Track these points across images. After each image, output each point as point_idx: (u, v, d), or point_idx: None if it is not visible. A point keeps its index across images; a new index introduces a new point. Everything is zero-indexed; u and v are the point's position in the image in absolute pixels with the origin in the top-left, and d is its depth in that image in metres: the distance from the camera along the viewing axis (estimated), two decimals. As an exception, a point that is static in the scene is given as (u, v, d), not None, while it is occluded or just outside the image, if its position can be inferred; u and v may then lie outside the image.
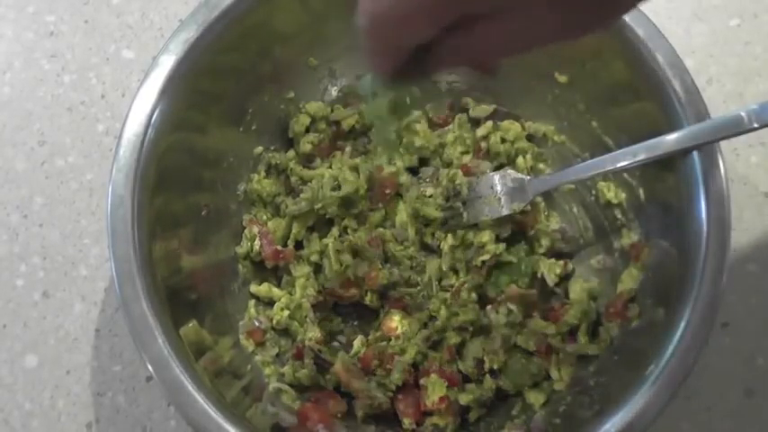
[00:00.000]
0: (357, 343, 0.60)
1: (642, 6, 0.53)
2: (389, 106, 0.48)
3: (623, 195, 0.59)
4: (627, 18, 0.53)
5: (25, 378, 0.63)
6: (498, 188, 0.61)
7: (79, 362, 0.63)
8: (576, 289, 0.61)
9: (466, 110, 0.67)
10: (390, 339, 0.60)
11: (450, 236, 0.62)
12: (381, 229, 0.63)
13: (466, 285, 0.61)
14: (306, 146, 0.64)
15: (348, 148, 0.65)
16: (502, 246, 0.61)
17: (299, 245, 0.63)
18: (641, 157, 0.53)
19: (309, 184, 0.62)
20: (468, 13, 0.34)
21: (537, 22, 0.35)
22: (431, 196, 0.63)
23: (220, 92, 0.58)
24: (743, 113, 0.50)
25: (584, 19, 0.36)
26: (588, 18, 0.37)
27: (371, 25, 0.35)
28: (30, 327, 0.64)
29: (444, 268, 0.62)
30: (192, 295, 0.56)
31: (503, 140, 0.65)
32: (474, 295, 0.61)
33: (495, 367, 0.58)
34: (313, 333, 0.60)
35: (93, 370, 0.63)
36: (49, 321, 0.64)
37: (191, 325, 0.54)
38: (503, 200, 0.61)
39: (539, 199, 0.63)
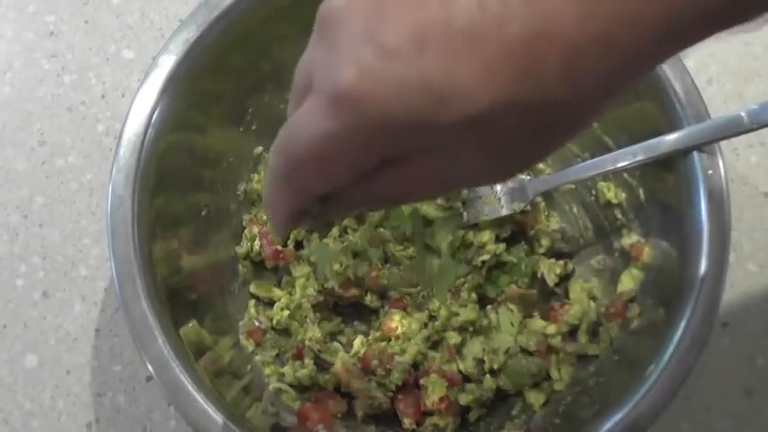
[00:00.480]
0: (357, 343, 0.60)
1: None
2: None
3: (623, 195, 0.59)
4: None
5: (25, 378, 0.63)
6: (498, 188, 0.61)
7: (79, 362, 0.63)
8: (576, 289, 0.61)
9: None
10: (390, 339, 0.60)
11: (449, 236, 0.62)
12: (381, 229, 0.63)
13: (466, 285, 0.61)
14: None
15: None
16: (502, 246, 0.61)
17: (299, 245, 0.63)
18: (641, 157, 0.53)
19: None
20: (388, 157, 0.32)
21: (464, 167, 0.33)
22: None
23: (220, 92, 0.58)
24: (743, 113, 0.50)
25: (514, 163, 0.34)
26: (520, 162, 0.34)
27: (285, 169, 0.33)
28: (30, 327, 0.64)
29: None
30: (191, 295, 0.56)
31: None
32: (474, 295, 0.61)
33: (496, 367, 0.58)
34: (313, 333, 0.60)
35: (93, 370, 0.63)
36: (48, 321, 0.64)
37: (191, 325, 0.54)
38: (503, 200, 0.61)
39: (539, 199, 0.63)
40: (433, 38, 0.28)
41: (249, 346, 0.60)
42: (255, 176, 0.63)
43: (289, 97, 0.35)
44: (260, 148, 0.64)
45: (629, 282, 0.57)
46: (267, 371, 0.59)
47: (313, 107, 0.31)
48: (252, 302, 0.61)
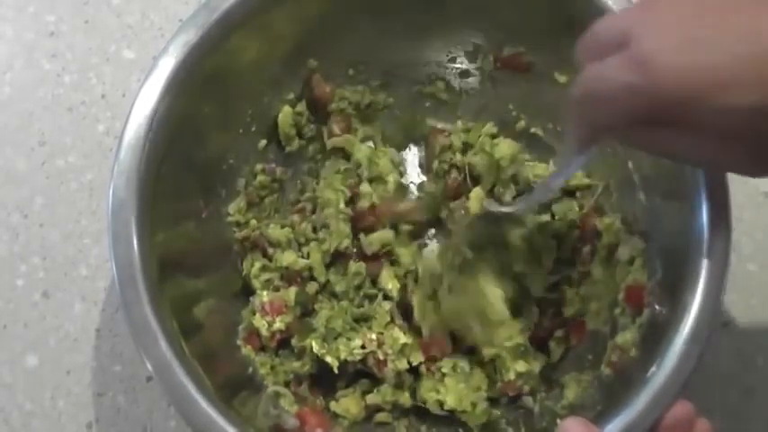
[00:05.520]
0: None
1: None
2: None
3: (624, 196, 0.59)
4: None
5: (25, 378, 0.63)
6: None
7: (79, 362, 0.63)
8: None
9: None
10: None
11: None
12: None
13: None
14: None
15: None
16: None
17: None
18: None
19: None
20: (656, 118, 0.40)
21: (721, 151, 0.41)
22: None
23: (220, 94, 0.57)
24: None
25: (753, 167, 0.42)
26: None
27: (579, 100, 0.43)
28: (30, 327, 0.64)
29: None
30: (193, 297, 0.56)
31: None
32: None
33: None
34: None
35: (94, 370, 0.63)
36: (49, 321, 0.64)
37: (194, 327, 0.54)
38: None
39: None
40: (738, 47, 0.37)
41: (250, 353, 0.59)
42: (258, 166, 0.63)
43: (583, 41, 0.44)
44: (263, 142, 0.64)
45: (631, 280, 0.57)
46: (263, 371, 0.59)
47: (625, 64, 0.39)
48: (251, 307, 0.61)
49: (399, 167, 0.67)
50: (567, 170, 0.52)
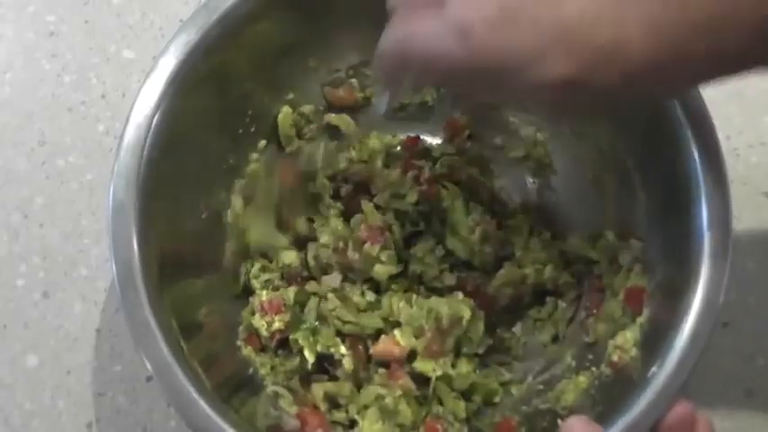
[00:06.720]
0: None
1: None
2: None
3: (623, 195, 0.59)
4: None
5: (25, 378, 0.63)
6: None
7: (79, 362, 0.63)
8: None
9: None
10: None
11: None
12: None
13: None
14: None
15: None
16: None
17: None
18: None
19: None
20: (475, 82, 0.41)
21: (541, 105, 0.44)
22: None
23: (220, 94, 0.57)
24: None
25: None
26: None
27: (391, 56, 0.43)
28: (30, 327, 0.64)
29: None
30: (193, 298, 0.56)
31: None
32: None
33: None
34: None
35: (94, 370, 0.63)
36: (49, 321, 0.64)
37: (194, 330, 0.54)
38: None
39: None
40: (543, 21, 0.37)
41: (250, 354, 0.59)
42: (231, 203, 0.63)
43: None
44: (263, 142, 0.64)
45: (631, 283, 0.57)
46: (263, 371, 0.59)
47: (442, 30, 0.39)
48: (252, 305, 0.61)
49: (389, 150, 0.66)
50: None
